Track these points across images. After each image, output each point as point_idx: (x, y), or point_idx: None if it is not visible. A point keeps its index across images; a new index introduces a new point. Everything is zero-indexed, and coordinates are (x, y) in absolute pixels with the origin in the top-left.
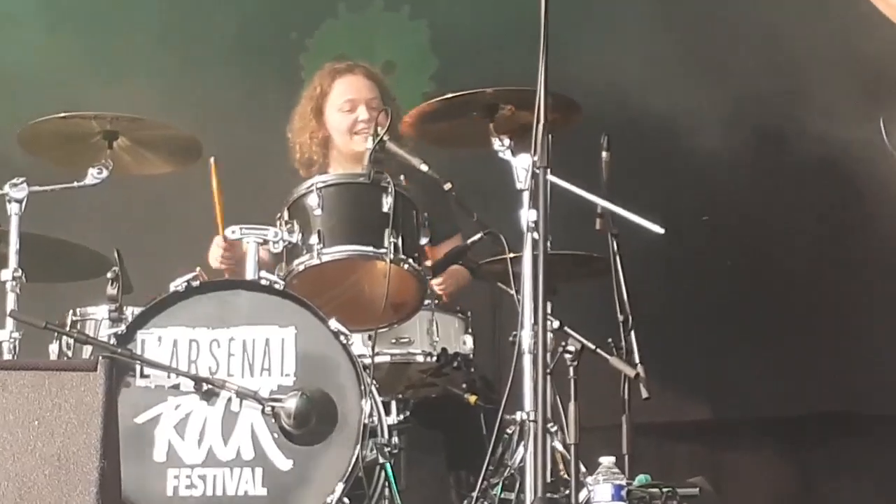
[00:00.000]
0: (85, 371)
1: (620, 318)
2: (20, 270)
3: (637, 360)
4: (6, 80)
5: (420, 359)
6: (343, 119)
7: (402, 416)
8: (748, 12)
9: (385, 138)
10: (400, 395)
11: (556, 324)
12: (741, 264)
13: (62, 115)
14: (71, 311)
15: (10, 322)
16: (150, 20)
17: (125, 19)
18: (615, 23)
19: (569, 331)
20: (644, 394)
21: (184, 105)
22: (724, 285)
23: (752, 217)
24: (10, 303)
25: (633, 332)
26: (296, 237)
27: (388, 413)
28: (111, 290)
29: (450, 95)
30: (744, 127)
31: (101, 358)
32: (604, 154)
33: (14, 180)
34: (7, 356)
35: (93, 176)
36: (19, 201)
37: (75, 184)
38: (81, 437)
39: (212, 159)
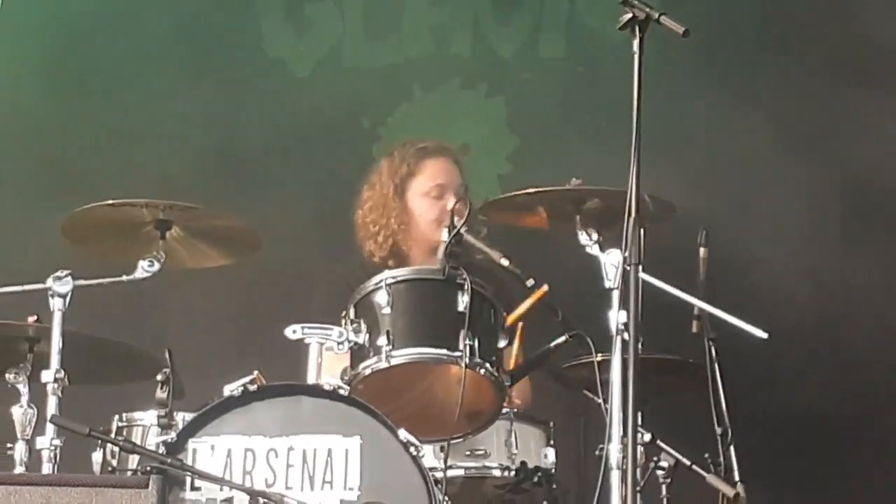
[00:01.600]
0: (136, 489)
1: (718, 430)
2: (62, 372)
3: (737, 478)
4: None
5: (497, 473)
6: (431, 206)
7: None
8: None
9: (462, 230)
10: None
11: (647, 436)
12: (853, 374)
13: (111, 202)
14: (117, 417)
15: (50, 428)
16: (211, 105)
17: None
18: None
19: (661, 444)
20: None
21: (244, 196)
22: (835, 396)
23: (867, 321)
24: (52, 407)
25: (732, 447)
26: (362, 338)
27: None
28: (161, 394)
29: (532, 190)
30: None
31: (152, 475)
32: (701, 251)
33: (58, 273)
34: (47, 465)
35: (143, 269)
36: (63, 296)
37: (124, 277)
38: None
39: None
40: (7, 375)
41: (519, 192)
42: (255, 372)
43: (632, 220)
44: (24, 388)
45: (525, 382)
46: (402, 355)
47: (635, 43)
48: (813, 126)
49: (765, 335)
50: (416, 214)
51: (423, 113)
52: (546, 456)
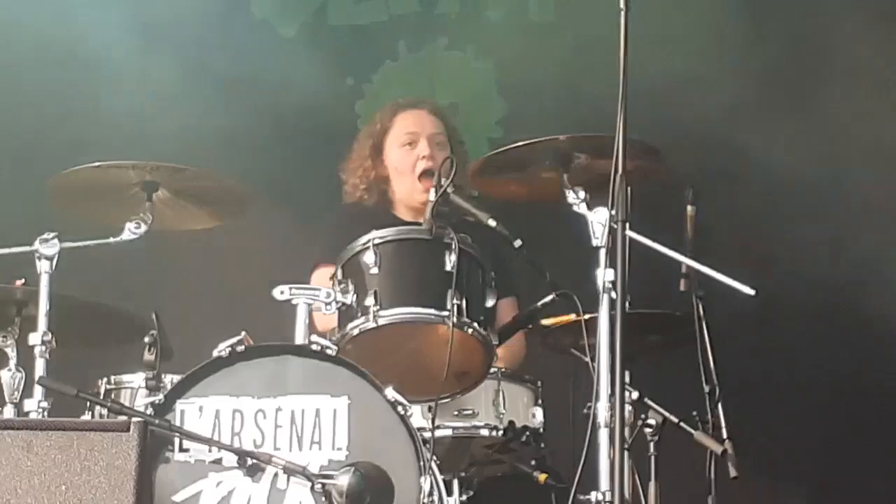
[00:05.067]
0: (117, 432)
1: (706, 388)
2: (50, 334)
3: (725, 435)
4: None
5: (485, 433)
6: (404, 156)
7: (465, 497)
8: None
9: (449, 190)
10: (463, 473)
11: (635, 395)
12: (843, 328)
13: (96, 164)
14: (105, 379)
15: (38, 390)
16: (195, 64)
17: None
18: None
19: (649, 402)
20: (732, 473)
21: (230, 157)
22: (824, 352)
23: (858, 275)
24: (40, 369)
25: (720, 405)
26: (350, 298)
27: (449, 493)
28: (148, 356)
29: (518, 144)
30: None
31: (133, 419)
32: (689, 208)
33: (44, 235)
34: None
35: (130, 231)
36: (50, 258)
37: (111, 239)
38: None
39: None
40: None
41: (507, 147)
42: (243, 333)
43: (618, 176)
44: (11, 352)
45: (519, 338)
46: (390, 315)
47: (621, 1)
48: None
49: (752, 292)
50: (392, 168)
51: (409, 71)
52: (534, 415)
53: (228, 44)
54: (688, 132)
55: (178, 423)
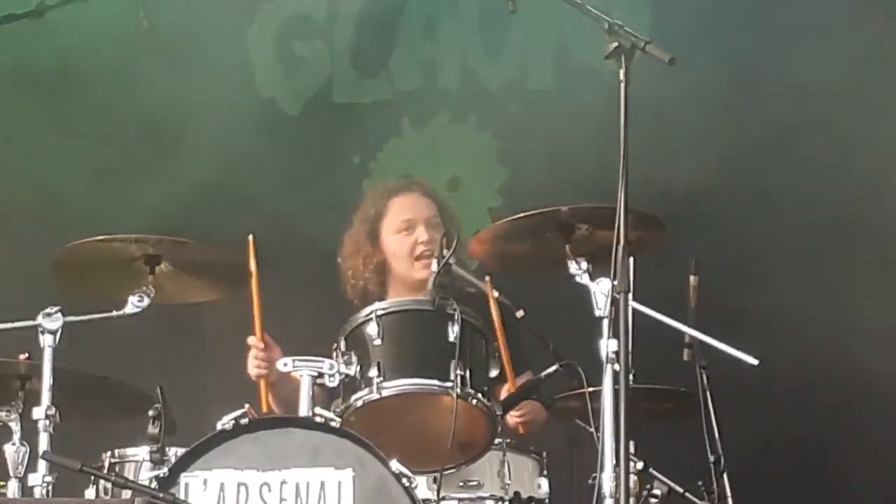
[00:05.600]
0: None
1: (711, 458)
2: (54, 408)
3: None
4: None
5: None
6: (401, 242)
7: None
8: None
9: (451, 261)
10: None
11: (639, 465)
12: (843, 400)
13: (100, 237)
14: (109, 453)
15: (42, 465)
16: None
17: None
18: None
19: (654, 473)
20: None
21: (232, 231)
22: (826, 423)
23: (858, 347)
24: (43, 443)
25: (725, 475)
26: (353, 370)
27: None
28: (153, 430)
29: (521, 215)
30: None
31: (137, 499)
32: (692, 278)
33: (48, 310)
34: None
35: (133, 304)
36: (53, 332)
37: (114, 313)
38: None
39: (250, 237)
40: None
41: (509, 219)
42: (247, 405)
43: (621, 247)
44: (15, 426)
45: (538, 411)
46: (394, 386)
47: (621, 72)
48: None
49: (755, 362)
50: (390, 253)
51: (413, 147)
52: (539, 486)
53: (235, 120)
54: (689, 202)
55: (182, 497)
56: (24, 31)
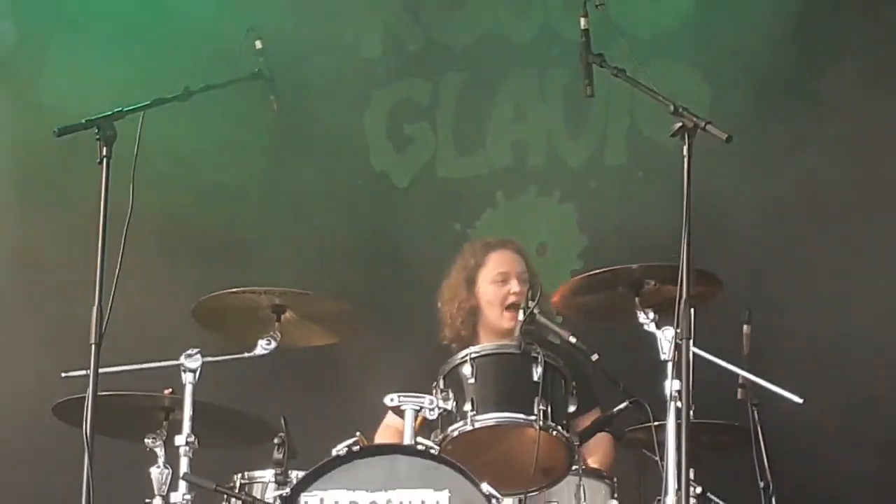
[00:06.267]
0: None
1: (761, 484)
2: (193, 436)
3: None
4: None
5: None
6: (496, 291)
7: None
8: None
9: (535, 311)
10: None
11: (699, 489)
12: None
13: (233, 290)
14: (239, 475)
15: (182, 484)
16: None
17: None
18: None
19: (711, 497)
20: None
21: (346, 285)
22: (868, 453)
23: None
24: (184, 466)
25: (773, 499)
26: (450, 404)
27: None
28: (277, 455)
29: (597, 271)
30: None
31: None
32: (745, 327)
33: (189, 351)
34: None
35: (262, 347)
36: (193, 371)
37: (245, 354)
38: None
39: None
40: (146, 440)
41: (587, 274)
42: (358, 434)
43: (683, 300)
44: (160, 451)
45: (608, 443)
46: (485, 419)
47: (685, 148)
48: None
49: (800, 400)
50: (483, 301)
51: (506, 217)
52: None
53: (352, 191)
54: (742, 259)
55: None
56: (171, 113)
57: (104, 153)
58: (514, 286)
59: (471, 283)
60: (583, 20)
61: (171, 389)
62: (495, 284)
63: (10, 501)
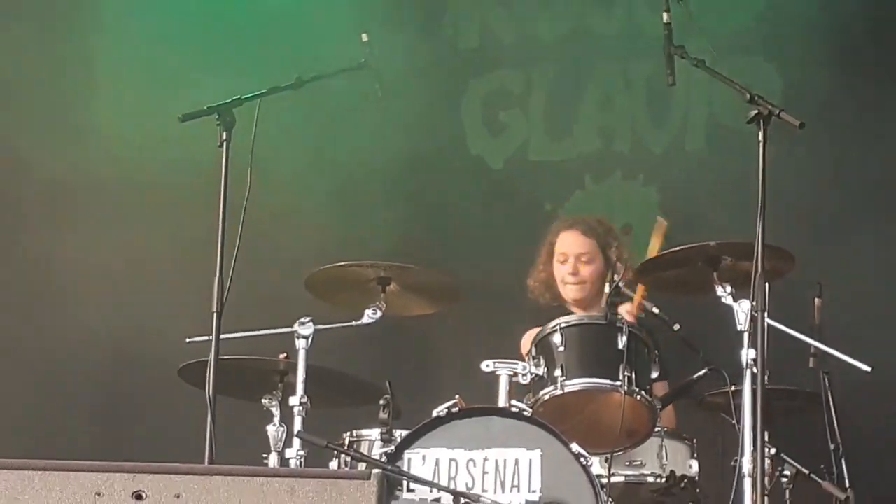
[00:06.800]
0: (360, 480)
1: (832, 445)
2: (306, 397)
3: (847, 484)
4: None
5: (651, 480)
6: (558, 269)
7: None
8: None
9: (621, 284)
10: None
11: (773, 451)
12: None
13: (342, 263)
14: (348, 433)
15: (296, 442)
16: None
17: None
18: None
19: (785, 457)
20: None
21: (447, 258)
22: None
23: None
24: (298, 424)
25: (843, 459)
26: (542, 370)
27: None
28: (383, 415)
29: (677, 248)
30: None
31: (373, 470)
32: (817, 300)
33: (302, 319)
34: None
35: (368, 316)
36: (306, 338)
37: (353, 322)
38: None
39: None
40: (263, 400)
41: (668, 251)
42: (457, 397)
43: (758, 274)
44: (276, 411)
45: (670, 411)
46: (574, 384)
47: (760, 133)
48: None
49: (868, 368)
50: (555, 275)
51: (593, 199)
52: (691, 466)
53: (450, 172)
54: (814, 235)
55: (406, 469)
56: (286, 101)
57: (224, 137)
58: (569, 267)
59: (549, 257)
60: (665, 14)
61: (286, 354)
62: (558, 263)
63: (140, 456)
